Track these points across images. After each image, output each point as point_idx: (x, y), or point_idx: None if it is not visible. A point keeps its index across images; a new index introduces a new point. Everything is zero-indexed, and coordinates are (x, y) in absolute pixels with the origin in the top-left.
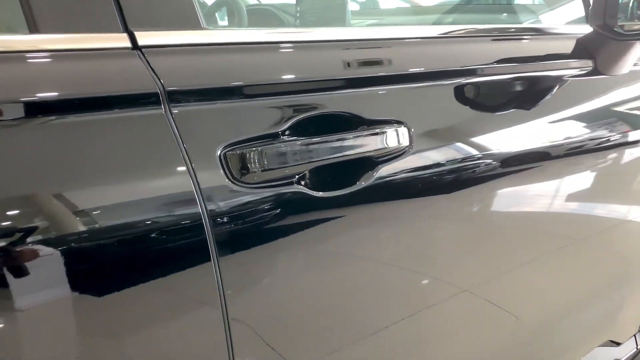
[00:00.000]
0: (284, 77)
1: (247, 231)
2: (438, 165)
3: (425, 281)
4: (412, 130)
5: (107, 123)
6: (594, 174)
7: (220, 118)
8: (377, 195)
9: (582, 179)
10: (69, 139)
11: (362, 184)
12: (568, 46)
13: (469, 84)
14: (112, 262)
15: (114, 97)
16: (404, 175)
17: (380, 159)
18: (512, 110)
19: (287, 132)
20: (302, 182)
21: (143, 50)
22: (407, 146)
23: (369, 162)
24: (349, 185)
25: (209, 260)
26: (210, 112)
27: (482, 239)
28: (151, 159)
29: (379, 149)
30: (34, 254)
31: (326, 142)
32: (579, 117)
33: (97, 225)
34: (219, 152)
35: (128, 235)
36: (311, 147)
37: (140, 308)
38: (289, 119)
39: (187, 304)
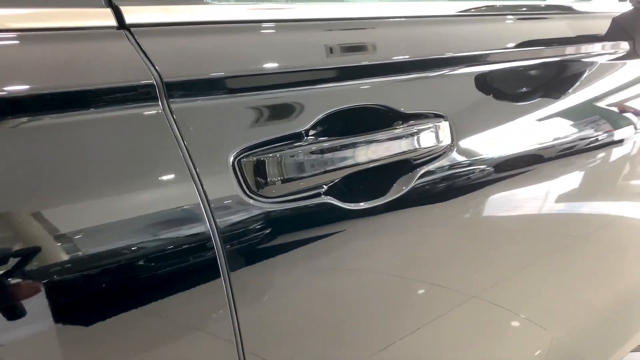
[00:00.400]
0: (311, 62)
1: (267, 256)
2: (486, 164)
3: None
4: (454, 124)
5: (89, 125)
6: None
7: (232, 116)
8: (419, 204)
9: (625, 174)
10: (45, 146)
11: (402, 189)
12: (603, 26)
13: (512, 68)
14: (97, 291)
15: (97, 92)
16: (448, 179)
17: (419, 161)
18: (543, 98)
19: (311, 133)
20: (332, 193)
21: (132, 30)
22: (449, 144)
23: (407, 166)
24: (384, 194)
25: (222, 290)
26: (220, 109)
27: (537, 245)
28: (146, 169)
29: (419, 149)
30: (12, 286)
31: (358, 143)
32: (616, 105)
33: (84, 248)
34: (231, 160)
35: (120, 260)
36: (341, 151)
37: (134, 340)
38: (314, 115)
39: (194, 344)
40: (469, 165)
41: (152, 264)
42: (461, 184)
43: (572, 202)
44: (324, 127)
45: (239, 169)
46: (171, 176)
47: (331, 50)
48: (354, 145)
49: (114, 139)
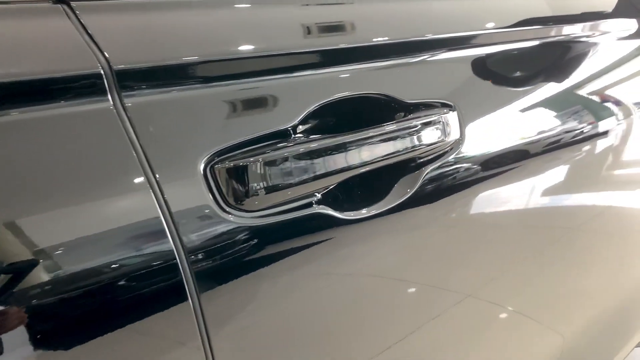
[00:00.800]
0: (298, 44)
1: (249, 281)
2: (499, 159)
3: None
4: (463, 115)
5: (18, 127)
6: None
7: (201, 112)
8: (426, 208)
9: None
10: None
11: (407, 192)
12: (609, 2)
13: (520, 50)
14: (33, 326)
15: (27, 85)
16: (457, 178)
17: (424, 159)
18: (552, 82)
19: (300, 129)
20: (326, 202)
21: (72, 3)
22: (457, 139)
23: (412, 165)
24: (386, 199)
25: (193, 326)
26: (186, 104)
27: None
28: (93, 180)
29: (424, 146)
30: None
31: (355, 142)
32: (623, 88)
33: (21, 274)
34: (202, 166)
35: (61, 288)
36: (336, 151)
37: None
38: (303, 107)
39: None
40: (480, 161)
41: (102, 290)
42: (472, 183)
43: (601, 193)
44: (315, 122)
45: (212, 178)
46: (124, 187)
47: (322, 29)
48: (351, 144)
49: (51, 143)
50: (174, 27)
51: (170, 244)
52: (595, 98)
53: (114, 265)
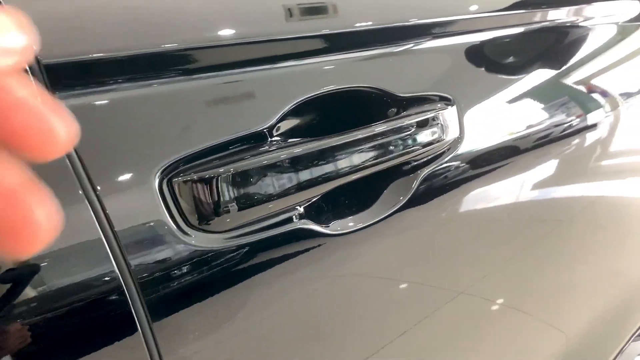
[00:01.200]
0: (273, 29)
1: (213, 315)
2: (502, 159)
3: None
4: (463, 110)
5: None
6: None
7: (155, 113)
8: (421, 217)
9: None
10: None
11: (400, 200)
12: None
13: (522, 35)
14: None
15: None
16: (455, 181)
17: (420, 162)
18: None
19: (277, 132)
20: (309, 215)
21: None
22: (456, 138)
23: (405, 170)
24: (378, 209)
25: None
26: (136, 104)
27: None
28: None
29: (420, 148)
30: None
31: (344, 145)
32: (626, 75)
33: None
34: (157, 180)
35: None
36: (321, 156)
37: None
38: (281, 105)
39: None
40: (481, 162)
41: (33, 326)
42: (471, 184)
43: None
44: (295, 123)
45: (170, 192)
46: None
47: (302, 12)
48: (338, 148)
49: None
50: (119, 12)
51: (114, 269)
52: (606, 85)
53: (44, 297)
